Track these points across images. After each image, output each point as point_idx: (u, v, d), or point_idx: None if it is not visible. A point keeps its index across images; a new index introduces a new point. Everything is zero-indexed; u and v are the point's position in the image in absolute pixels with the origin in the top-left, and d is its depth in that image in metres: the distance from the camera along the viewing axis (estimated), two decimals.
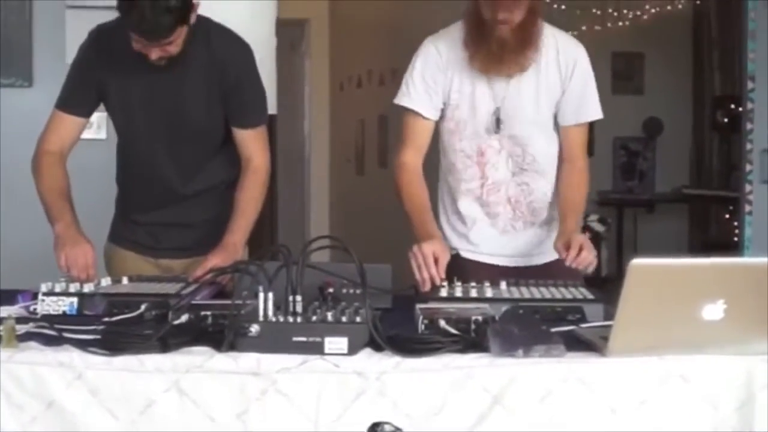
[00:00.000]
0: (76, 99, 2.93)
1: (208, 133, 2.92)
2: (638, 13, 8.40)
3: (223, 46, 2.87)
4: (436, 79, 2.89)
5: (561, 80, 2.86)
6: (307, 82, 9.43)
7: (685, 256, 6.64)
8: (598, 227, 7.23)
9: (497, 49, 2.76)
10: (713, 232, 8.67)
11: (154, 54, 2.68)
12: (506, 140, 2.89)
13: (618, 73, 8.60)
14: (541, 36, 2.81)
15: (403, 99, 2.94)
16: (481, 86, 2.85)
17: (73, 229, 2.74)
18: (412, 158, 2.95)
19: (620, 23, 8.45)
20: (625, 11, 8.35)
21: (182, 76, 2.82)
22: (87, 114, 2.94)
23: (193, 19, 2.71)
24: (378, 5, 8.04)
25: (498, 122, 2.86)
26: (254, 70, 2.95)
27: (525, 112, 2.87)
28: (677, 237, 8.89)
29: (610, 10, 8.28)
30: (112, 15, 4.98)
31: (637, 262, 1.82)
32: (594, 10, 8.15)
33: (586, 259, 2.64)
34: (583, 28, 8.17)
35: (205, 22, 2.86)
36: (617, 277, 8.14)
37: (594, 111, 2.93)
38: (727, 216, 8.15)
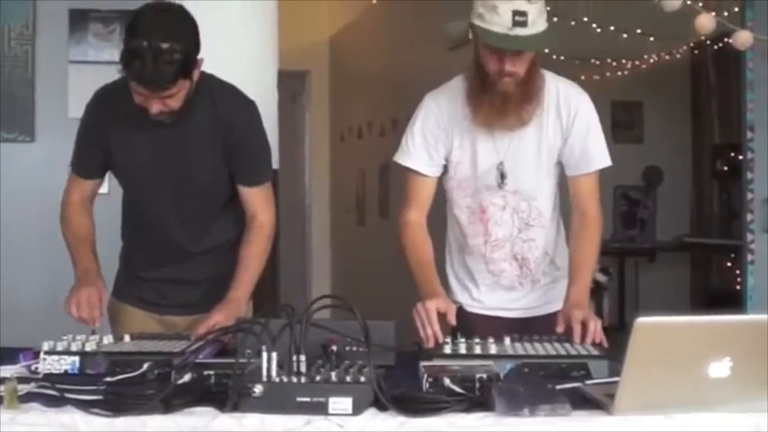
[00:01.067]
0: (84, 162, 2.98)
1: (214, 190, 2.93)
2: (637, 62, 8.45)
3: (228, 104, 2.89)
4: (436, 137, 2.88)
5: (562, 129, 2.84)
6: (308, 133, 9.48)
7: (687, 305, 6.63)
8: (601, 278, 7.20)
9: (500, 103, 2.75)
10: (715, 280, 8.66)
11: (155, 107, 2.68)
12: (511, 196, 2.88)
13: (617, 122, 8.64)
14: (543, 88, 2.81)
15: (403, 158, 2.94)
16: (483, 142, 2.84)
17: (87, 275, 2.77)
18: (416, 216, 2.94)
19: (619, 72, 8.50)
20: (623, 61, 8.40)
21: (187, 134, 2.83)
22: (100, 174, 3.00)
23: (196, 75, 2.72)
24: (378, 57, 8.10)
25: (502, 176, 2.86)
26: (259, 128, 2.96)
27: (528, 165, 2.85)
28: (679, 286, 8.87)
29: (609, 60, 8.33)
30: (114, 70, 5.03)
31: (643, 320, 1.81)
32: (593, 60, 8.20)
33: (595, 333, 2.58)
34: (582, 77, 8.20)
35: (210, 80, 2.88)
36: (619, 327, 8.13)
37: (600, 159, 2.89)
38: (729, 264, 8.14)
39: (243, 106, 2.93)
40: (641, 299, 8.72)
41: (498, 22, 2.61)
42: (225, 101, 2.88)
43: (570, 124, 2.84)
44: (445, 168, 2.94)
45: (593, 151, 2.87)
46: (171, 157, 2.85)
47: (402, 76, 7.14)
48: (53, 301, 4.81)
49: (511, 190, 2.87)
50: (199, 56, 2.70)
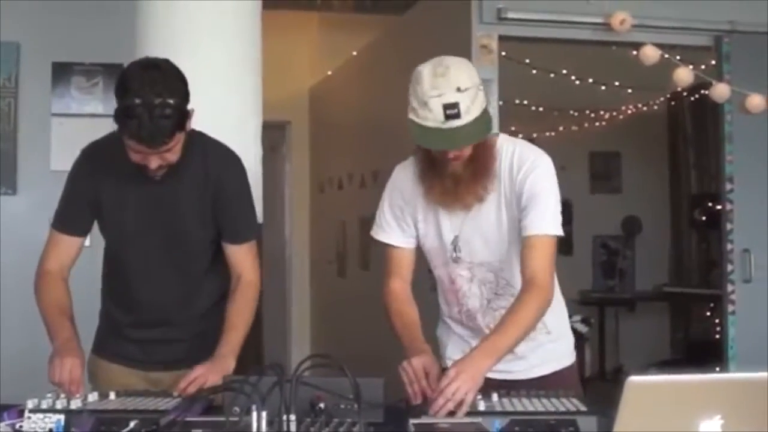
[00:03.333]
0: (70, 219, 2.93)
1: (202, 247, 2.93)
2: (614, 113, 8.54)
3: (220, 162, 2.90)
4: (403, 210, 2.89)
5: (516, 193, 2.75)
6: (288, 184, 9.48)
7: (667, 354, 6.64)
8: (582, 328, 7.22)
9: (452, 185, 2.72)
10: (695, 329, 8.69)
11: (154, 163, 2.68)
12: (476, 268, 2.84)
13: (596, 173, 8.72)
14: (496, 160, 2.76)
15: (378, 233, 2.95)
16: (444, 215, 2.82)
17: (68, 345, 2.71)
18: (399, 284, 2.93)
19: (597, 123, 8.58)
20: (601, 112, 8.48)
21: (178, 190, 2.83)
22: (84, 232, 2.95)
23: (188, 126, 2.73)
24: (358, 108, 8.13)
25: (455, 250, 2.83)
26: (246, 186, 2.98)
27: (487, 238, 2.80)
28: (659, 335, 8.90)
29: (587, 111, 8.42)
30: (97, 122, 5.07)
31: (634, 379, 1.81)
32: (571, 112, 8.28)
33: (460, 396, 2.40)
34: (561, 128, 8.29)
35: (200, 137, 2.89)
36: (600, 377, 8.13)
37: (550, 225, 2.71)
38: (708, 314, 8.17)
39: (233, 164, 2.95)
40: (621, 349, 8.74)
41: (431, 117, 2.56)
42: (216, 159, 2.90)
43: (522, 183, 2.73)
44: (417, 239, 2.93)
45: (539, 214, 2.71)
46: (161, 213, 2.85)
47: (383, 128, 7.16)
48: (31, 358, 4.80)
49: (476, 263, 2.83)
50: (190, 107, 2.71)
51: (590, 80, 7.41)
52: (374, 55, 7.72)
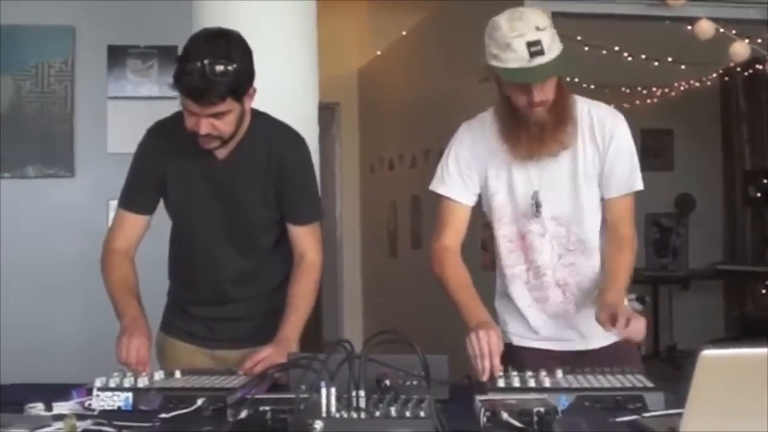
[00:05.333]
0: (136, 197, 2.95)
1: (265, 227, 2.94)
2: (666, 89, 8.43)
3: (283, 143, 2.90)
4: (470, 166, 2.89)
5: (599, 153, 2.81)
6: (338, 165, 9.49)
7: (721, 332, 6.59)
8: (636, 306, 7.15)
9: (538, 132, 2.75)
10: (749, 308, 8.61)
11: (204, 127, 2.69)
12: (549, 222, 2.86)
13: (648, 150, 8.63)
14: (575, 108, 2.80)
15: (438, 186, 2.94)
16: (518, 170, 2.84)
17: (135, 324, 2.73)
18: (452, 244, 2.92)
19: (649, 100, 8.49)
20: (654, 89, 8.39)
21: (241, 170, 2.85)
22: (149, 210, 2.97)
23: (248, 104, 2.75)
24: (408, 88, 8.12)
25: (537, 205, 2.85)
26: (310, 168, 2.99)
27: (564, 192, 2.84)
28: (713, 313, 8.83)
29: (639, 88, 8.32)
30: (152, 105, 5.10)
31: (707, 353, 1.79)
32: (623, 89, 8.19)
33: (637, 330, 2.57)
34: (612, 105, 8.20)
35: (264, 118, 2.90)
36: (654, 355, 8.07)
37: (635, 181, 2.86)
38: (764, 291, 8.09)
39: (297, 145, 2.95)
40: (675, 327, 8.68)
41: (514, 58, 2.62)
42: (279, 139, 2.90)
43: (606, 147, 2.81)
44: (480, 198, 2.94)
45: (629, 173, 2.84)
46: (224, 192, 2.87)
47: (433, 107, 7.15)
48: (92, 338, 4.88)
49: (549, 217, 2.86)
50: (253, 87, 2.71)
51: (643, 56, 7.31)
52: (424, 35, 7.70)
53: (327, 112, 9.34)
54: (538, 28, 2.62)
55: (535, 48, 2.60)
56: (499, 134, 2.83)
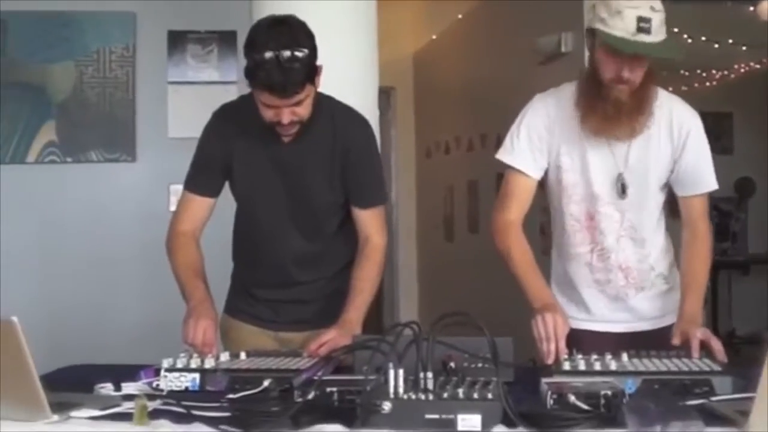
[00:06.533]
0: (202, 179, 2.97)
1: (330, 210, 2.95)
2: (726, 72, 8.33)
3: (348, 125, 2.91)
4: (541, 138, 2.86)
5: (673, 148, 2.80)
6: (393, 149, 9.48)
7: None
8: None
9: (613, 111, 2.71)
10: None
11: (286, 117, 2.70)
12: (617, 205, 2.85)
13: (707, 133, 8.50)
14: (654, 101, 2.77)
15: (506, 156, 2.90)
16: (596, 151, 2.81)
17: (202, 306, 2.75)
18: (517, 217, 2.89)
19: (707, 83, 8.39)
20: (713, 71, 8.29)
21: (306, 153, 2.86)
22: (215, 193, 2.98)
23: (318, 83, 2.75)
24: (464, 72, 8.09)
25: (623, 188, 2.83)
26: (376, 151, 3.00)
27: (636, 178, 2.83)
28: None
29: (698, 71, 8.23)
30: (212, 90, 5.14)
31: None
32: (682, 71, 8.10)
33: (718, 351, 2.54)
34: (670, 89, 8.10)
35: (328, 100, 2.91)
36: None
37: (710, 182, 2.86)
38: None
39: (362, 128, 2.96)
40: (734, 312, 8.59)
41: (621, 27, 2.60)
42: (344, 122, 2.91)
43: (682, 145, 2.80)
44: (547, 173, 2.91)
45: (705, 174, 2.85)
46: (288, 175, 2.88)
47: (490, 90, 7.12)
48: (153, 320, 4.94)
49: (620, 200, 2.84)
50: (318, 63, 2.73)
51: (703, 38, 7.23)
52: (480, 18, 7.67)
53: (383, 97, 9.31)
54: (653, 8, 2.61)
55: (644, 24, 2.58)
56: (575, 105, 2.80)
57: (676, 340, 2.62)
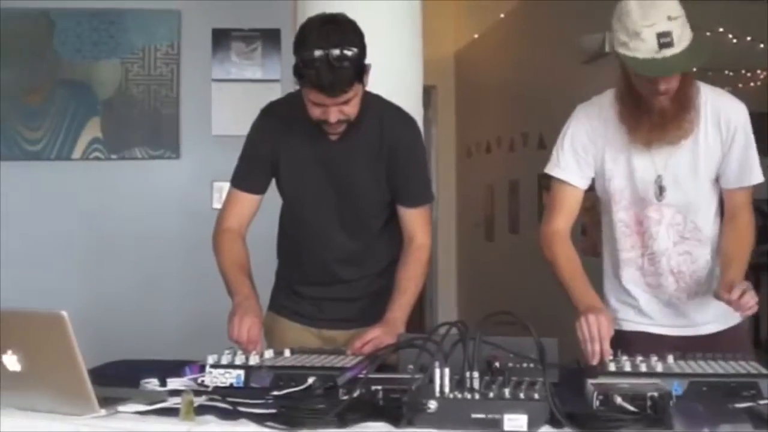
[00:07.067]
0: (249, 176, 2.98)
1: (375, 208, 2.95)
2: None
3: (395, 125, 2.91)
4: (586, 149, 2.87)
5: (722, 143, 2.77)
6: (434, 147, 9.48)
7: None
8: None
9: (659, 120, 2.70)
10: None
11: (334, 116, 2.71)
12: (666, 209, 2.83)
13: None
14: (698, 96, 2.75)
15: (553, 169, 2.92)
16: (638, 155, 2.80)
17: (247, 303, 2.76)
18: (563, 226, 2.90)
19: (752, 83, 8.30)
20: (758, 71, 8.20)
21: (352, 150, 2.86)
22: (261, 190, 3.00)
23: (367, 81, 2.76)
24: (506, 71, 8.07)
25: (661, 190, 2.81)
26: (422, 151, 2.99)
27: (684, 179, 2.81)
28: None
29: (743, 71, 8.14)
30: (256, 87, 5.16)
31: None
32: (726, 71, 8.02)
33: (748, 303, 2.54)
34: None
35: (376, 99, 2.91)
36: (755, 344, 7.89)
37: (757, 174, 2.82)
38: None
39: (409, 127, 2.96)
40: None
41: (643, 47, 2.57)
42: (392, 121, 2.91)
43: (731, 138, 2.77)
44: (594, 181, 2.91)
45: (752, 166, 2.81)
46: (335, 173, 2.89)
47: (532, 90, 7.10)
48: (196, 317, 4.98)
49: (667, 203, 2.82)
50: (367, 61, 2.73)
51: (748, 38, 7.15)
52: (522, 17, 7.65)
53: (424, 95, 9.30)
54: (669, 18, 2.56)
55: (665, 39, 2.55)
56: (618, 117, 2.80)
57: (725, 295, 2.59)
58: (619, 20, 2.64)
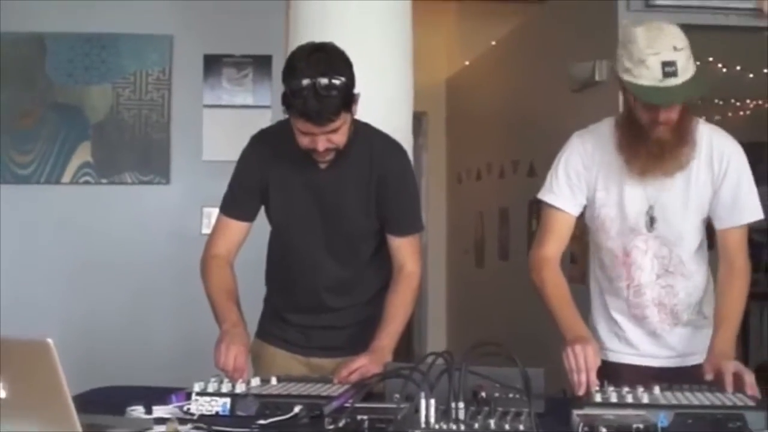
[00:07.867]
0: (238, 203, 2.99)
1: (364, 236, 2.96)
2: (761, 102, 8.29)
3: (385, 153, 2.92)
4: (579, 176, 2.88)
5: (713, 179, 2.79)
6: (425, 174, 9.48)
7: None
8: None
9: (657, 150, 2.72)
10: None
11: (322, 144, 2.72)
12: (653, 241, 2.85)
13: None
14: (696, 130, 2.77)
15: (546, 195, 2.93)
16: (631, 185, 2.82)
17: (234, 330, 2.75)
18: (554, 253, 2.91)
19: (741, 113, 8.35)
20: (747, 101, 8.25)
21: (341, 179, 2.87)
22: (251, 218, 3.00)
23: (355, 110, 2.77)
24: (497, 98, 8.09)
25: (652, 221, 2.83)
26: (412, 180, 3.00)
27: (676, 211, 2.82)
28: None
29: (733, 100, 8.20)
30: (247, 113, 5.18)
31: None
32: (716, 101, 8.07)
33: (751, 386, 2.51)
34: (704, 118, 8.06)
35: (366, 127, 2.93)
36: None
37: (752, 212, 2.82)
38: None
39: (398, 155, 2.97)
40: (766, 345, 8.49)
41: (647, 75, 2.59)
42: (381, 149, 2.92)
43: (722, 175, 2.79)
44: (586, 209, 2.93)
45: (745, 204, 2.81)
46: (324, 201, 2.90)
47: (523, 117, 7.12)
48: (185, 342, 4.96)
49: (655, 235, 2.84)
50: (356, 91, 2.74)
51: (738, 68, 7.20)
52: (514, 45, 7.67)
53: (414, 122, 9.28)
54: (675, 48, 2.59)
55: (669, 68, 2.57)
56: (617, 146, 2.82)
57: (708, 375, 2.60)
58: (624, 47, 2.66)
